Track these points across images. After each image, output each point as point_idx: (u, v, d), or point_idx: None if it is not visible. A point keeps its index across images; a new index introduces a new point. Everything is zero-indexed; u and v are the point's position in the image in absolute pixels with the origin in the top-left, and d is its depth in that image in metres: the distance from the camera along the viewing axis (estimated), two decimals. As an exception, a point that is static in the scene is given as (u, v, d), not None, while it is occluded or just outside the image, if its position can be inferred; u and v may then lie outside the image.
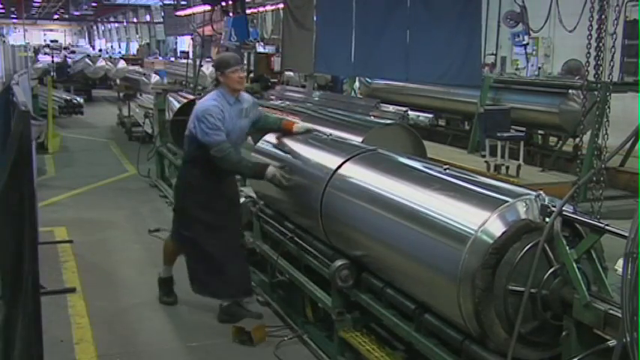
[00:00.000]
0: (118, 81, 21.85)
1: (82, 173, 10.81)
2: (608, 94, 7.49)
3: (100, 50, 41.14)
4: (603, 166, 6.23)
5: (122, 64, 24.40)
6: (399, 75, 10.02)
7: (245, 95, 5.22)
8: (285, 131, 5.27)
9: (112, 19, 61.47)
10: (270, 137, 5.60)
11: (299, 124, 5.31)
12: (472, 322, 3.04)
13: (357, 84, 14.62)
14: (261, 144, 5.65)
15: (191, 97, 9.44)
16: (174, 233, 5.30)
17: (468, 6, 8.23)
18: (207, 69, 17.83)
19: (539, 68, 16.20)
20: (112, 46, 58.04)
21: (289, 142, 5.35)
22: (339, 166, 4.34)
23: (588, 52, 6.24)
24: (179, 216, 5.21)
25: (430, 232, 3.33)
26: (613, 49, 6.33)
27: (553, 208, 2.94)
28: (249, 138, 6.86)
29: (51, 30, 70.72)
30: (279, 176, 4.75)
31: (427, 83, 11.47)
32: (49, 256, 6.35)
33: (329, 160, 4.53)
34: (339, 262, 4.09)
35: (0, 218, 2.87)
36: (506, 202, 3.09)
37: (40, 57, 28.00)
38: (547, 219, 2.95)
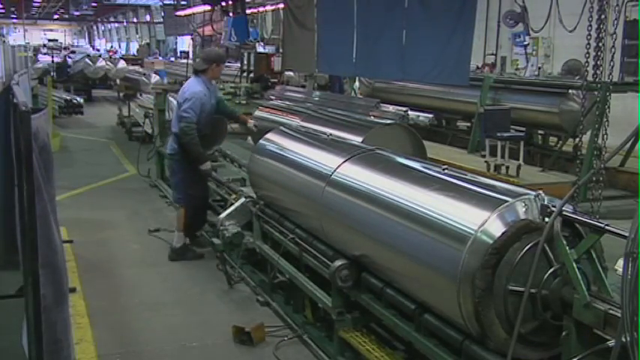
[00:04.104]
0: (118, 81, 21.84)
1: (82, 173, 10.80)
2: (608, 94, 7.50)
3: (99, 50, 41.02)
4: (603, 166, 6.24)
5: (122, 64, 24.38)
6: (395, 74, 10.03)
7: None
8: (240, 122, 7.23)
9: (112, 19, 61.47)
10: (270, 137, 5.61)
11: (252, 121, 7.15)
12: (472, 322, 3.04)
13: (357, 84, 14.61)
14: (260, 144, 5.67)
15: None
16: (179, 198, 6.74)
17: (463, 8, 8.25)
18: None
19: (539, 68, 16.18)
20: (112, 46, 57.84)
21: (289, 142, 5.36)
22: (339, 166, 4.34)
23: (588, 52, 6.24)
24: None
25: (430, 232, 3.33)
26: (613, 49, 6.33)
27: (553, 208, 2.94)
28: (249, 138, 7.50)
29: (51, 30, 70.69)
30: (210, 171, 6.52)
31: (425, 83, 11.48)
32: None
33: (329, 160, 4.54)
34: (339, 262, 4.09)
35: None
36: (506, 202, 3.09)
37: (40, 57, 27.96)
38: (547, 219, 2.95)
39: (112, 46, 56.49)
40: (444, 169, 3.80)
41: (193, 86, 6.48)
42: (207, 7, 15.81)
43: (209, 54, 6.83)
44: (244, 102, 13.93)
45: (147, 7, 47.04)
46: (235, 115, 7.14)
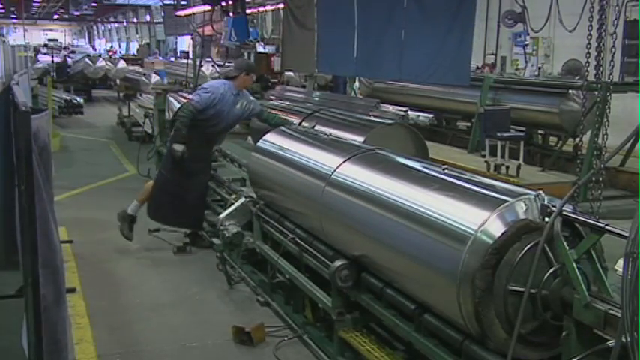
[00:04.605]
0: (118, 81, 21.84)
1: (82, 173, 10.80)
2: (608, 94, 7.50)
3: (96, 49, 40.83)
4: (603, 166, 6.24)
5: (122, 64, 24.37)
6: (392, 74, 10.02)
7: (246, 92, 6.87)
8: None
9: (112, 19, 61.44)
10: (270, 137, 5.62)
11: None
12: (472, 322, 3.04)
13: (357, 84, 14.62)
14: (261, 144, 5.67)
15: (191, 97, 9.41)
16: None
17: (461, 7, 8.24)
18: (207, 69, 17.79)
19: (539, 68, 16.19)
20: (112, 46, 57.72)
21: (289, 142, 5.37)
22: (339, 166, 4.34)
23: (588, 52, 6.24)
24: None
25: (430, 232, 3.33)
26: (613, 49, 6.34)
27: (553, 208, 2.94)
28: (249, 138, 7.60)
29: (51, 30, 70.61)
30: (179, 154, 6.44)
31: (424, 83, 11.50)
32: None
33: (329, 160, 4.54)
34: (339, 262, 4.09)
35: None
36: (506, 202, 3.09)
37: (40, 57, 27.94)
38: (547, 219, 2.95)
39: (111, 46, 56.40)
40: (443, 169, 3.80)
41: (216, 83, 6.94)
42: (207, 7, 15.75)
43: (240, 63, 7.34)
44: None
45: (147, 7, 46.96)
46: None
